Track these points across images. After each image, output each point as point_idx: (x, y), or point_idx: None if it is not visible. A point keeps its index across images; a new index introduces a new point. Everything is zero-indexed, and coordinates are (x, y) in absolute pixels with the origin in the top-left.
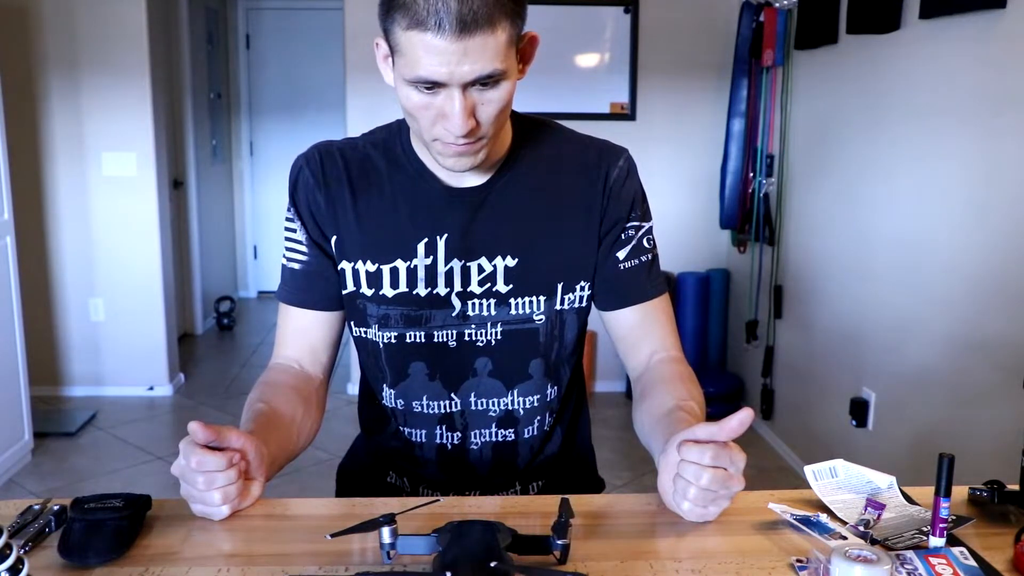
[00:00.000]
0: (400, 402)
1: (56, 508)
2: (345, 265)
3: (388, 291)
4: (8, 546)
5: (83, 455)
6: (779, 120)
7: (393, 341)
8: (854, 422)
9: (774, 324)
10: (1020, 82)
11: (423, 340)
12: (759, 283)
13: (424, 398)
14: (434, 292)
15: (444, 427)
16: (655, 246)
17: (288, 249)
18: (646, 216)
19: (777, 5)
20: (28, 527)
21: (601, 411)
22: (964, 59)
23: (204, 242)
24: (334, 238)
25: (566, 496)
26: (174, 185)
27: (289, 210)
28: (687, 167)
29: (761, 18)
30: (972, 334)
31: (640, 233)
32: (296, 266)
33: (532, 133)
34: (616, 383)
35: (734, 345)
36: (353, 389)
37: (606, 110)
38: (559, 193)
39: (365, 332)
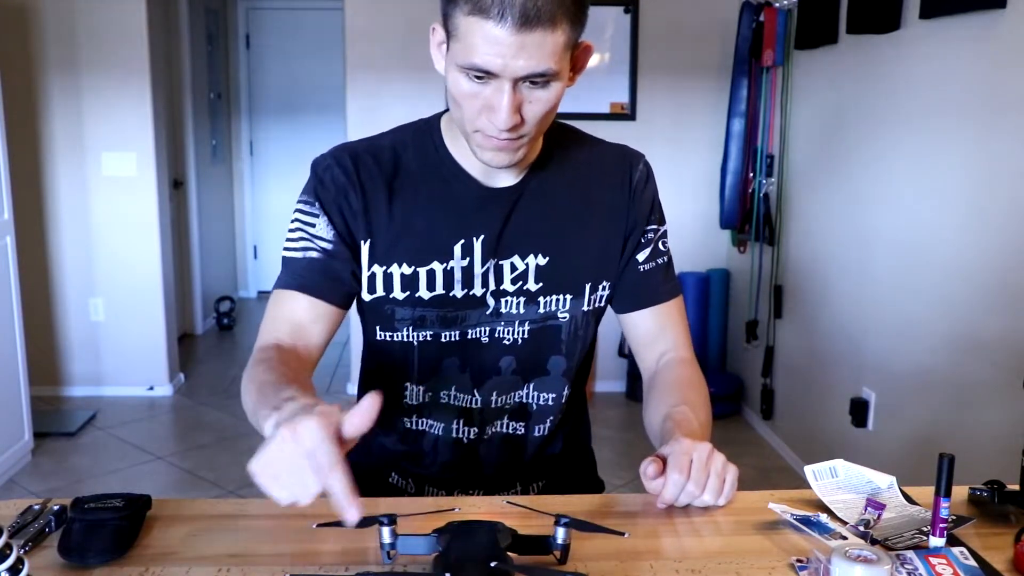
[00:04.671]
0: (429, 395)
1: (56, 508)
2: (377, 269)
3: (424, 293)
4: (8, 546)
5: (83, 455)
6: (779, 120)
7: (429, 339)
8: (854, 422)
9: (774, 324)
10: (1020, 82)
11: (457, 338)
12: (759, 283)
13: (453, 389)
14: (470, 294)
15: (462, 421)
16: (669, 249)
17: (301, 239)
18: (662, 220)
19: (777, 5)
20: (28, 527)
21: (601, 411)
22: (964, 59)
23: (204, 242)
24: (367, 242)
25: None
26: (174, 185)
27: (310, 204)
28: (687, 167)
29: (761, 18)
30: (972, 334)
31: (657, 236)
32: (314, 254)
33: (558, 135)
34: (616, 383)
35: (734, 345)
36: (353, 389)
37: (606, 110)
38: (587, 194)
39: (391, 336)
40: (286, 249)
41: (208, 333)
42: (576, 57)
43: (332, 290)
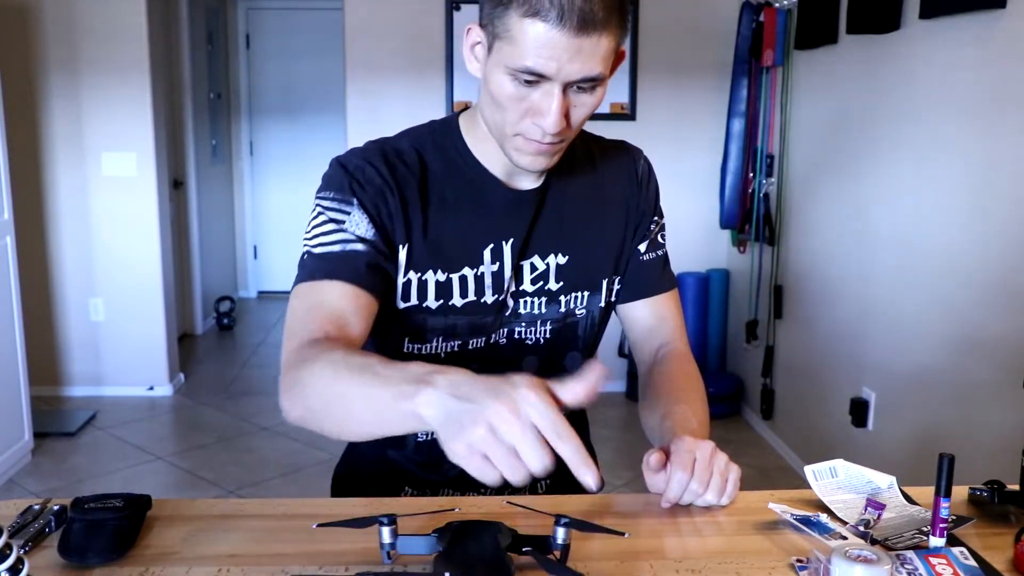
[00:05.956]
0: None
1: (56, 508)
2: (412, 276)
3: (457, 300)
4: (8, 546)
5: (83, 455)
6: (779, 120)
7: (456, 350)
8: (854, 422)
9: (774, 324)
10: (1020, 82)
11: (482, 345)
12: (759, 283)
13: None
14: (500, 299)
15: None
16: (665, 243)
17: (335, 231)
18: (662, 214)
19: (777, 5)
20: (28, 527)
21: (601, 411)
22: (964, 59)
23: (204, 242)
24: (405, 247)
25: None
26: (174, 185)
27: (344, 201)
28: (687, 167)
29: (761, 18)
30: (972, 334)
31: (657, 228)
32: (359, 246)
33: None
34: (616, 383)
35: (734, 345)
36: None
37: (606, 110)
38: (601, 191)
39: (420, 348)
40: (315, 245)
41: (208, 333)
42: (612, 62)
43: (375, 282)
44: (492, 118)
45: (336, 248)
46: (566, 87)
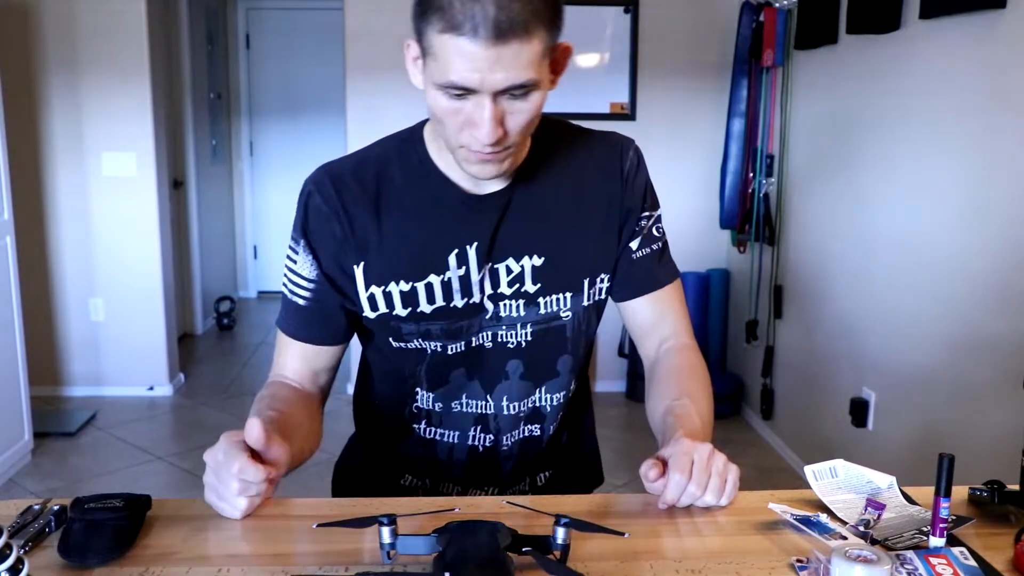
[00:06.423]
0: (439, 405)
1: (56, 508)
2: (375, 290)
3: (425, 307)
4: (8, 546)
5: (83, 455)
6: (779, 120)
7: (438, 349)
8: (854, 422)
9: (774, 324)
10: (1020, 82)
11: (463, 348)
12: (759, 283)
13: (464, 396)
14: (471, 302)
15: (479, 428)
16: (664, 233)
17: (291, 281)
18: (655, 205)
19: (777, 5)
20: (28, 527)
21: (601, 411)
22: (964, 59)
23: (204, 242)
24: (360, 265)
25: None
26: (174, 185)
27: (296, 241)
28: (687, 167)
29: (761, 18)
30: (972, 334)
31: (651, 222)
32: (300, 301)
33: (543, 132)
34: (616, 383)
35: (734, 345)
36: (352, 388)
37: (606, 110)
38: (580, 188)
39: (405, 345)
40: (283, 283)
41: (208, 333)
42: (555, 60)
43: (325, 335)
44: (438, 130)
45: (289, 296)
46: (497, 96)
